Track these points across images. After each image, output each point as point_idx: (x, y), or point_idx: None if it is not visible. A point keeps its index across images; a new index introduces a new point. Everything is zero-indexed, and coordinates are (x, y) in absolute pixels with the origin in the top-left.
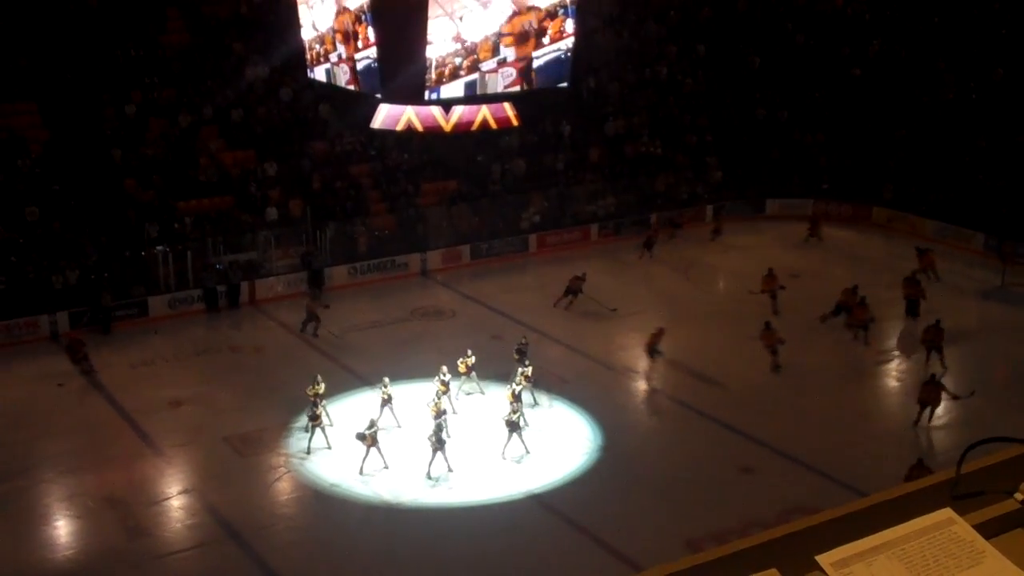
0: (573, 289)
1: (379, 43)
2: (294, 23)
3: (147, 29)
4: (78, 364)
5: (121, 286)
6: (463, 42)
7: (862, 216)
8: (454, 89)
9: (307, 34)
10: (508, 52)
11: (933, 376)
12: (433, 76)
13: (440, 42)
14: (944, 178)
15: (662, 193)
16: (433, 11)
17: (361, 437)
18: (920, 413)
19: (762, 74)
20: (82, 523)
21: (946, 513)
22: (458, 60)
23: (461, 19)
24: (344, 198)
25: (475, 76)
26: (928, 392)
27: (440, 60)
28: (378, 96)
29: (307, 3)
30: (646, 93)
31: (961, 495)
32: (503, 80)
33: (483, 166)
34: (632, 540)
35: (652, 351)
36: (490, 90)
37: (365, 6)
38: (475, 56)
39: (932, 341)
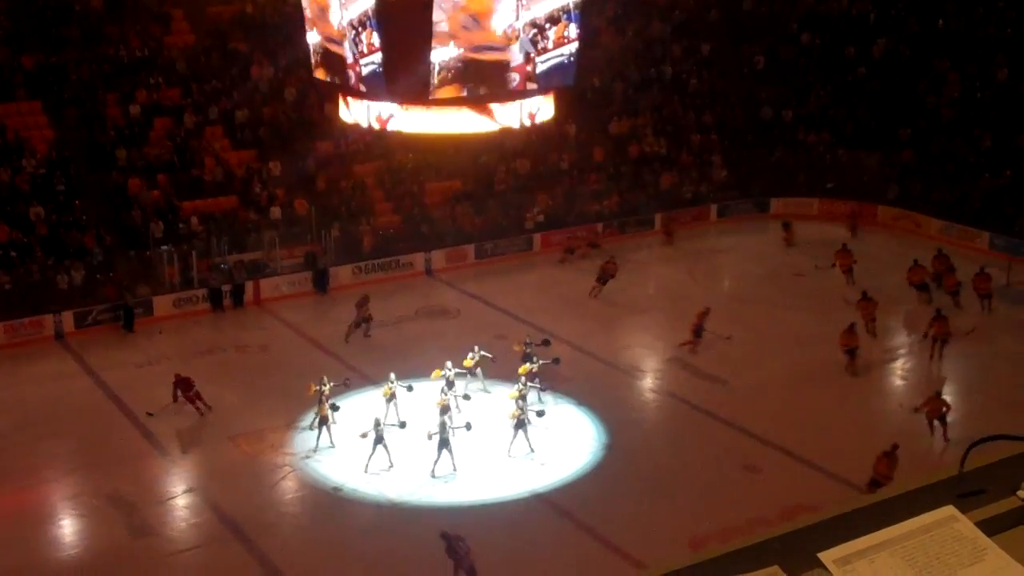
0: (697, 330)
1: (384, 47)
2: (299, 23)
3: (152, 29)
4: (190, 402)
5: (126, 286)
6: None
7: (867, 215)
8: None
9: (311, 37)
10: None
11: (939, 311)
12: (436, 79)
13: (442, 45)
14: (949, 177)
15: (667, 192)
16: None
17: (364, 436)
18: (933, 347)
19: (767, 73)
20: (87, 522)
21: (948, 511)
22: (460, 65)
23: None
24: (349, 198)
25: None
26: (939, 326)
27: (443, 64)
28: (383, 98)
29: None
30: (650, 92)
31: (964, 493)
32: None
33: (488, 165)
34: (636, 538)
35: (698, 331)
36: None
37: (370, 11)
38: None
39: (983, 289)
